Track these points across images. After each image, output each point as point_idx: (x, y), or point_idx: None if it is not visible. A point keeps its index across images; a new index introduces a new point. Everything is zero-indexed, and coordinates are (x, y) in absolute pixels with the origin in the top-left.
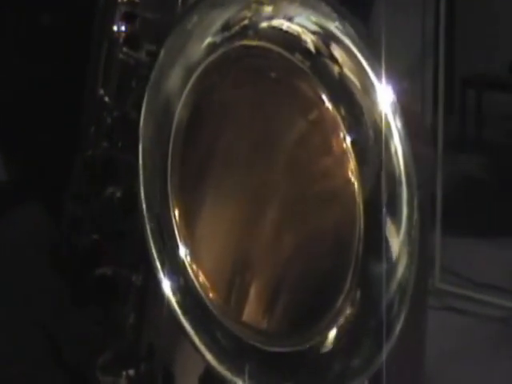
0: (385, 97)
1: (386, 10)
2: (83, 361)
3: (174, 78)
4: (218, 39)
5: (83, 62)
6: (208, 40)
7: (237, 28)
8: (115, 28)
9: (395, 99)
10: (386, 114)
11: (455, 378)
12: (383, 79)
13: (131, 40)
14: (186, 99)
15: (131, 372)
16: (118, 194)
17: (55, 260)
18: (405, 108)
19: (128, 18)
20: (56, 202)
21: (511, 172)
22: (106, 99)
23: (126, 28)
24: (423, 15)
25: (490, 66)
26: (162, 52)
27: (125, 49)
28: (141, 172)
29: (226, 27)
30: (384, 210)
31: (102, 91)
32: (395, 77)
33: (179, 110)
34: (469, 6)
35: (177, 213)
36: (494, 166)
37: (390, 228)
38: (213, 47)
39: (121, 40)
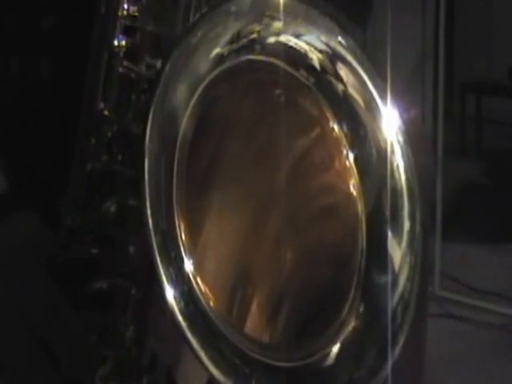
0: (388, 115)
1: (386, 17)
2: (81, 368)
3: (179, 92)
4: (225, 51)
5: (84, 62)
6: (216, 51)
7: (245, 41)
8: (115, 42)
9: (398, 117)
10: (388, 131)
11: None
12: (388, 98)
13: (131, 54)
14: (191, 112)
15: None
16: (117, 207)
17: (53, 266)
18: (407, 124)
19: (128, 32)
20: (54, 209)
21: (511, 177)
22: (106, 113)
23: (126, 42)
24: (423, 20)
25: (489, 72)
26: (167, 66)
27: (125, 62)
28: (146, 186)
29: (234, 39)
30: (386, 223)
31: (101, 105)
32: (398, 93)
33: (184, 124)
34: (468, 11)
35: (182, 226)
36: (493, 171)
37: (391, 241)
38: (220, 59)
39: (121, 54)
